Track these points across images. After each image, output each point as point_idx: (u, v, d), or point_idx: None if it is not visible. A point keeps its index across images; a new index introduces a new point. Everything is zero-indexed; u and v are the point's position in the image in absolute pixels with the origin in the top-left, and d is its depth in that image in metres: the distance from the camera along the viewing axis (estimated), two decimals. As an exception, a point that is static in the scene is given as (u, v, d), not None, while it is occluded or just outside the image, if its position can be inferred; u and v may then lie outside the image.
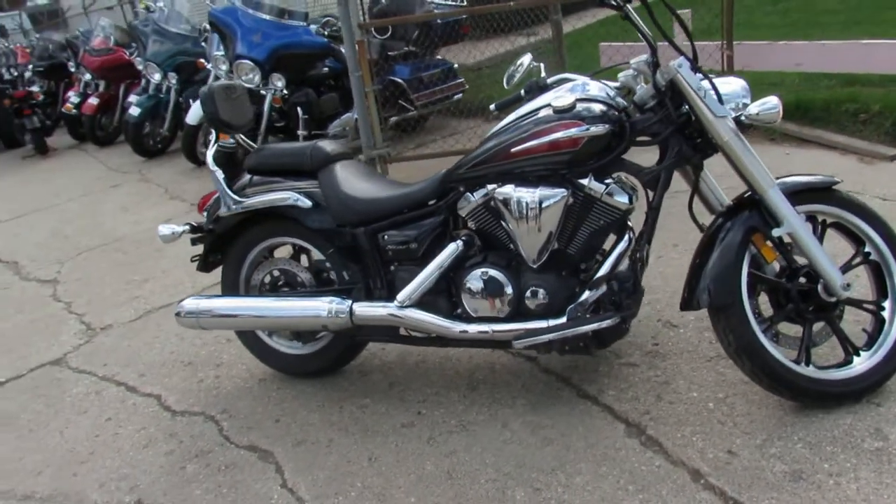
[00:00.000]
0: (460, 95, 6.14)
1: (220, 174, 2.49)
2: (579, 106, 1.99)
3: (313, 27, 5.95)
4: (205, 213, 2.58)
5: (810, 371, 1.95)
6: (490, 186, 2.09)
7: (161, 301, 3.58)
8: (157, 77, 6.64)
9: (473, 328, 2.12)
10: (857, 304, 2.05)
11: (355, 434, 2.27)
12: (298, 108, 5.14)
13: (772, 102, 1.88)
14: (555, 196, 2.00)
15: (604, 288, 2.02)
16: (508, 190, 2.04)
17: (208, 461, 2.27)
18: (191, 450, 2.35)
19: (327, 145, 2.43)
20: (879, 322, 2.02)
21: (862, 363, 1.98)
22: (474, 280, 2.12)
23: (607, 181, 2.04)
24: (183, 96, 6.49)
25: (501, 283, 2.09)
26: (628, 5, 1.88)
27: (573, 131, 1.95)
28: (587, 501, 1.82)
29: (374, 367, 2.64)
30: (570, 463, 1.97)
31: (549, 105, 2.01)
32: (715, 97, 1.91)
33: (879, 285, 2.05)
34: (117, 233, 4.91)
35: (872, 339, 2.02)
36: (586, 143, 1.95)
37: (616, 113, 1.99)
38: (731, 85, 2.03)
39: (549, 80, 2.27)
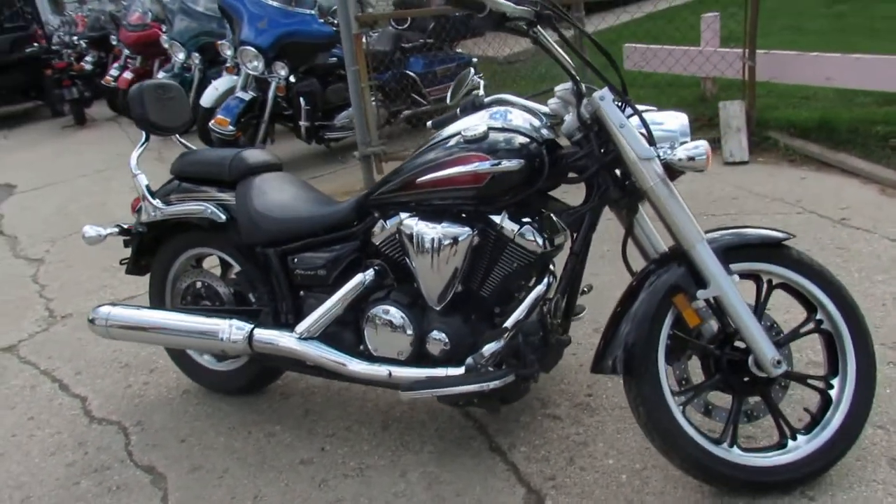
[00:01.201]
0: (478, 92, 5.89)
1: (142, 179, 2.38)
2: (492, 136, 1.78)
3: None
4: (136, 215, 2.48)
5: (732, 454, 1.70)
6: (402, 215, 1.91)
7: (126, 293, 3.53)
8: (180, 56, 6.64)
9: (371, 369, 1.95)
10: (800, 378, 1.79)
11: (252, 466, 2.14)
12: (301, 98, 5.01)
13: (700, 149, 1.62)
14: (458, 234, 1.80)
15: (507, 339, 1.81)
16: (412, 223, 1.86)
17: (103, 479, 2.18)
18: (92, 463, 2.26)
19: (251, 156, 2.28)
20: (825, 402, 1.76)
21: (798, 448, 1.72)
22: (375, 317, 1.95)
23: (525, 220, 1.82)
24: (207, 77, 6.46)
25: (402, 324, 1.91)
26: (537, 28, 1.64)
27: (478, 165, 1.74)
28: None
29: (297, 391, 2.50)
30: (454, 529, 1.78)
31: (459, 133, 1.81)
32: (640, 136, 1.67)
33: (831, 359, 1.78)
34: (115, 215, 4.89)
35: (815, 422, 1.75)
36: (493, 179, 1.74)
37: (535, 146, 1.77)
38: (670, 122, 1.77)
39: (486, 100, 2.06)
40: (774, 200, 3.47)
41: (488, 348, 1.82)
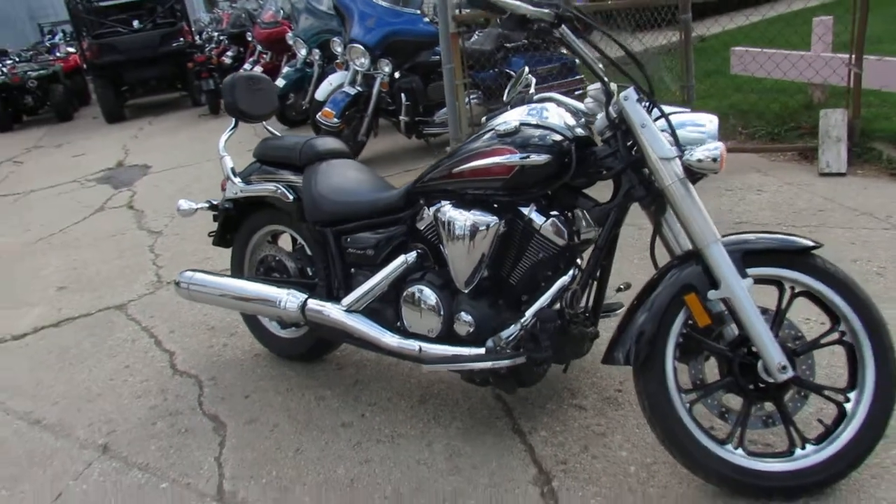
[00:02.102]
0: (580, 91, 5.92)
1: (227, 160, 2.66)
2: (524, 131, 1.88)
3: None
4: (223, 193, 2.77)
5: (736, 456, 1.72)
6: (442, 203, 2.05)
7: (223, 265, 3.88)
8: (302, 52, 7.08)
9: (403, 344, 2.11)
10: (817, 389, 1.76)
11: (299, 423, 2.36)
12: (403, 94, 5.25)
13: (712, 151, 1.65)
14: (485, 222, 1.92)
15: (526, 325, 1.91)
16: (448, 209, 2.00)
17: (175, 422, 2.48)
18: (169, 408, 2.57)
19: (320, 143, 2.50)
20: (841, 414, 1.73)
21: (805, 458, 1.71)
22: (411, 296, 2.10)
23: (553, 213, 1.92)
24: (325, 72, 6.87)
25: (434, 304, 2.06)
26: (562, 30, 1.73)
27: (507, 158, 1.86)
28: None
29: (351, 363, 2.70)
30: (463, 497, 1.91)
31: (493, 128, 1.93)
32: (662, 136, 1.71)
33: (852, 371, 1.75)
34: (228, 195, 5.36)
35: (828, 433, 1.73)
36: (519, 171, 1.85)
37: (565, 143, 1.86)
38: (699, 124, 1.81)
39: (536, 97, 2.16)
40: (863, 214, 3.30)
41: (507, 332, 1.93)
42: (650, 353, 1.72)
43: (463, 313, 2.01)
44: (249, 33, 9.87)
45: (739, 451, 1.73)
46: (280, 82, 7.11)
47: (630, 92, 1.75)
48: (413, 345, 2.09)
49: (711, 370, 1.83)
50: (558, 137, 1.86)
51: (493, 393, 2.34)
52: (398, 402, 2.39)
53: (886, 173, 3.73)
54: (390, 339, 2.12)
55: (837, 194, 3.59)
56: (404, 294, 2.12)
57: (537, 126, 1.89)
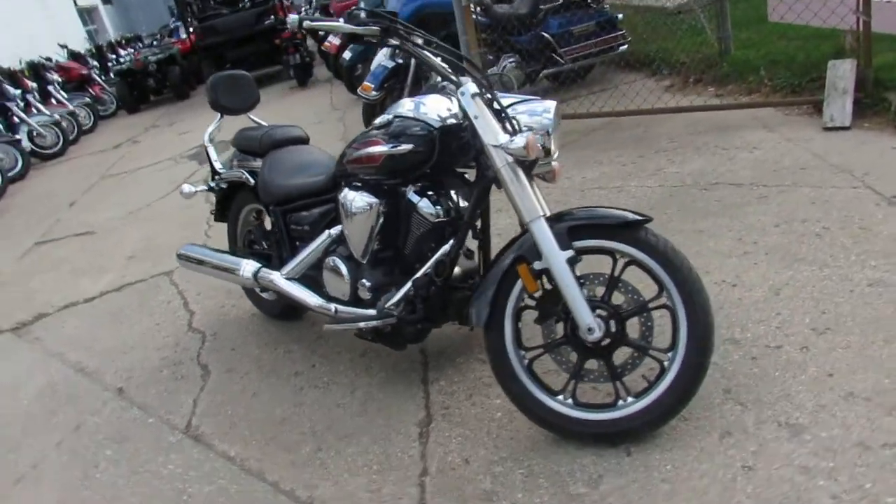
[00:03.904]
0: (625, 47, 5.89)
1: (211, 150, 3.11)
2: (396, 123, 2.16)
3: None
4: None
5: (565, 407, 1.96)
6: (346, 186, 2.38)
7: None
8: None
9: (325, 305, 2.48)
10: (643, 349, 1.95)
11: (264, 372, 2.81)
12: (434, 65, 5.50)
13: (517, 140, 1.85)
14: (368, 203, 2.24)
15: (404, 291, 2.22)
16: (345, 192, 2.33)
17: (176, 370, 3.02)
18: (175, 359, 3.12)
19: (279, 132, 2.88)
20: (661, 371, 1.92)
21: (626, 408, 1.92)
22: (327, 265, 2.47)
23: (429, 193, 2.20)
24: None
25: (342, 272, 2.41)
26: (405, 42, 1.98)
27: (377, 148, 2.15)
28: (343, 468, 2.14)
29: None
30: (360, 434, 2.27)
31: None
32: (494, 125, 1.94)
33: (674, 333, 1.92)
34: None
35: (648, 388, 1.93)
36: (388, 159, 2.14)
37: (431, 133, 2.11)
38: (537, 112, 2.01)
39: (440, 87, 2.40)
40: (842, 172, 3.24)
41: (387, 296, 2.25)
42: (491, 315, 1.99)
43: (364, 280, 2.35)
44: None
45: (569, 401, 1.97)
46: (347, 55, 7.56)
47: (466, 87, 1.98)
48: (330, 307, 2.46)
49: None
50: (425, 128, 2.12)
51: (420, 349, 2.66)
52: (344, 355, 2.78)
53: (891, 126, 3.58)
54: (314, 301, 2.51)
55: (829, 150, 3.52)
56: (324, 263, 2.49)
57: (408, 118, 2.16)
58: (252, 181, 2.83)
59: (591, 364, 2.00)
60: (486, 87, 2.00)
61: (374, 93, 5.46)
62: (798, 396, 1.95)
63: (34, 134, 9.74)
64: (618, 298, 1.98)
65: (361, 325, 2.26)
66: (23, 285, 4.73)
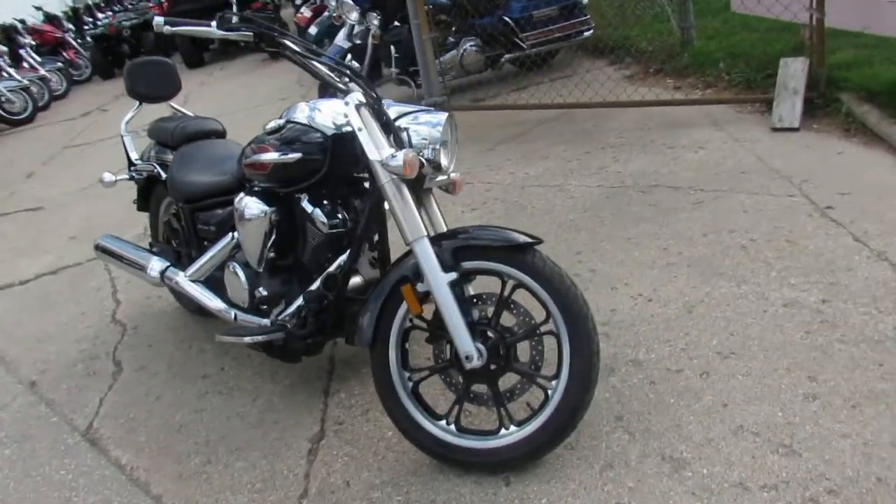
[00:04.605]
0: (590, 32, 5.76)
1: (128, 140, 3.00)
2: (287, 129, 2.06)
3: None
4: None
5: (447, 433, 1.90)
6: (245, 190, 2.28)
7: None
8: (353, 16, 7.26)
9: (225, 311, 2.40)
10: (530, 376, 1.89)
11: (173, 373, 2.74)
12: (392, 47, 5.37)
13: (395, 158, 1.75)
14: (261, 210, 2.14)
15: (296, 303, 2.15)
16: (240, 196, 2.23)
17: (90, 365, 2.94)
18: (92, 352, 3.04)
19: (192, 125, 2.77)
20: (546, 400, 1.86)
21: (508, 436, 1.86)
22: (228, 270, 2.38)
23: (324, 203, 2.11)
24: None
25: (241, 279, 2.32)
26: (282, 48, 1.87)
27: (265, 156, 2.05)
28: (227, 484, 2.08)
29: (241, 318, 3.04)
30: (251, 448, 2.21)
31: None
32: (378, 139, 1.84)
33: (560, 363, 1.85)
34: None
35: (532, 416, 1.87)
36: (276, 167, 2.04)
37: (322, 142, 2.02)
38: (427, 124, 1.91)
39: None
40: (780, 178, 3.16)
41: (286, 308, 2.18)
42: (375, 335, 1.92)
43: (260, 289, 2.27)
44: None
45: (452, 427, 1.91)
46: (313, 30, 7.36)
47: (351, 97, 1.88)
48: (231, 312, 2.38)
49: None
50: (316, 136, 2.03)
51: (328, 356, 2.60)
52: (254, 358, 2.70)
53: (840, 129, 3.49)
54: (214, 305, 2.43)
55: (773, 153, 3.43)
56: (226, 268, 2.40)
57: (301, 124, 2.06)
58: (163, 175, 2.73)
59: (479, 388, 1.93)
60: (373, 99, 1.90)
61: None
62: (688, 427, 1.90)
63: (2, 99, 9.54)
64: (510, 320, 1.91)
65: (247, 339, 2.18)
66: (-39, 263, 4.63)
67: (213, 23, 1.86)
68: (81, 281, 3.84)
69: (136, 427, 2.46)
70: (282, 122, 2.08)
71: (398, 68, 5.45)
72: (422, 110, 1.98)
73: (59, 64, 11.33)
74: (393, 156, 1.77)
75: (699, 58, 4.81)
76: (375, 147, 1.84)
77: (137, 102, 3.01)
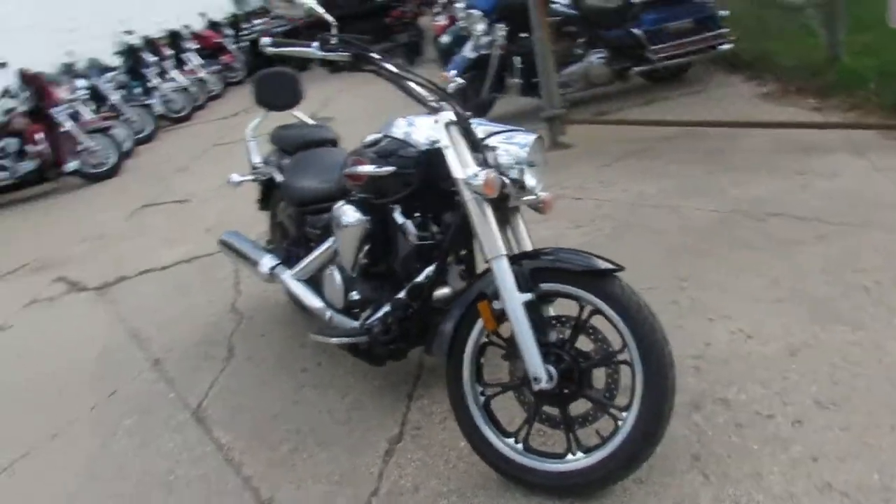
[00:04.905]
0: (728, 46, 5.49)
1: (252, 145, 3.23)
2: (383, 143, 2.16)
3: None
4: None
5: (513, 451, 1.91)
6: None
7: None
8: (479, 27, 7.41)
9: (321, 310, 2.54)
10: (601, 405, 1.86)
11: (279, 364, 2.92)
12: (517, 58, 5.40)
13: (477, 178, 1.79)
14: (355, 219, 2.25)
15: (382, 311, 2.23)
16: (340, 204, 2.35)
17: (208, 349, 3.19)
18: (211, 338, 3.30)
19: (309, 133, 2.95)
20: (615, 431, 1.82)
21: (574, 462, 1.84)
22: (326, 272, 2.52)
23: (416, 215, 2.19)
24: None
25: (335, 281, 2.45)
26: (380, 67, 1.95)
27: (360, 168, 2.16)
28: (309, 473, 2.20)
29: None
30: (335, 442, 2.32)
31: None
32: (464, 157, 1.89)
33: (633, 395, 1.81)
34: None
35: (600, 445, 1.84)
36: (370, 180, 2.14)
37: (415, 157, 2.09)
38: (516, 144, 1.93)
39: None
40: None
41: (374, 314, 2.27)
42: (452, 348, 1.96)
43: (353, 293, 2.38)
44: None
45: (520, 445, 1.92)
46: (445, 38, 7.54)
47: (441, 115, 1.93)
48: (327, 312, 2.52)
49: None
50: (411, 151, 2.10)
51: (417, 362, 2.67)
52: (349, 357, 2.79)
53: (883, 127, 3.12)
54: (314, 304, 2.57)
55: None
56: (325, 270, 2.54)
57: (396, 139, 2.15)
58: (279, 180, 2.92)
59: (552, 410, 1.92)
60: (463, 118, 1.95)
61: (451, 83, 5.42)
62: (769, 478, 1.79)
63: (165, 99, 10.50)
64: (588, 346, 1.89)
65: (333, 340, 2.29)
66: (119, 247, 5.17)
67: (315, 44, 1.97)
68: (211, 271, 4.16)
69: (239, 411, 2.65)
70: (379, 136, 2.18)
71: (521, 79, 5.46)
72: (512, 130, 2.00)
73: (218, 67, 12.29)
74: (475, 175, 1.81)
75: (846, 76, 4.46)
76: (461, 165, 1.88)
77: (264, 112, 3.24)
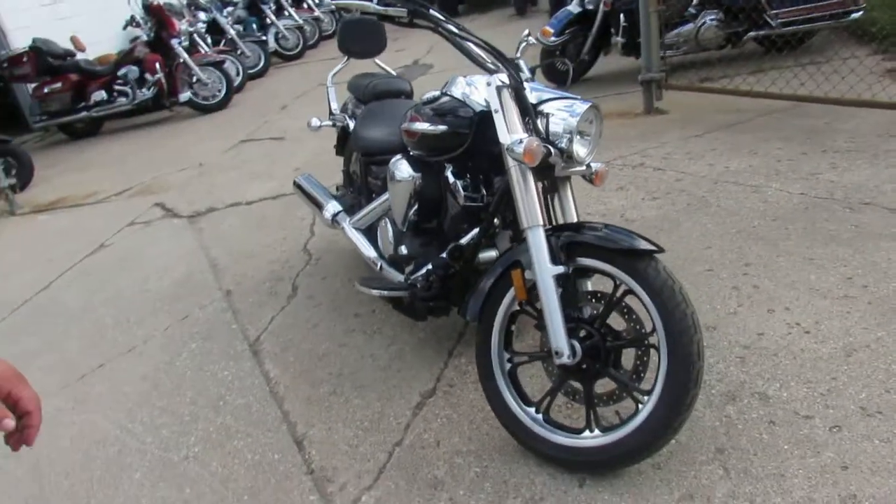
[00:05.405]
0: (859, 14, 5.04)
1: (331, 91, 3.29)
2: (441, 101, 2.15)
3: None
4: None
5: (532, 420, 1.92)
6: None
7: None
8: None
9: (373, 258, 2.60)
10: (624, 385, 1.83)
11: (334, 306, 3.04)
12: (622, 15, 5.17)
13: (519, 146, 1.75)
14: (408, 174, 2.27)
15: (426, 268, 2.26)
16: (395, 158, 2.38)
17: (274, 286, 3.36)
18: (279, 275, 3.47)
19: (383, 83, 2.97)
20: (635, 414, 1.79)
21: (589, 440, 1.84)
22: (380, 224, 2.57)
23: (467, 176, 2.19)
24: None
25: (388, 233, 2.50)
26: (440, 25, 1.92)
27: (415, 125, 2.16)
28: (342, 416, 2.31)
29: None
30: (371, 388, 2.41)
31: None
32: (512, 123, 1.86)
33: (656, 380, 1.77)
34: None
35: (617, 426, 1.81)
36: (422, 137, 2.15)
37: (469, 118, 2.07)
38: (570, 111, 1.88)
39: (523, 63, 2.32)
40: None
41: (418, 270, 2.31)
42: (483, 314, 1.98)
43: (402, 247, 2.42)
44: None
45: (539, 416, 1.92)
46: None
47: (493, 78, 1.90)
48: (378, 263, 2.58)
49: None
50: (466, 111, 2.09)
51: (463, 320, 2.70)
52: (393, 312, 2.89)
53: None
54: (367, 254, 2.64)
55: None
56: (380, 221, 2.59)
57: (454, 99, 2.13)
58: (351, 127, 2.98)
59: (577, 384, 1.91)
60: (517, 82, 1.90)
61: (552, 38, 5.31)
62: (792, 480, 1.72)
63: (279, 36, 10.79)
64: (622, 325, 1.86)
65: (375, 292, 2.35)
66: (215, 178, 5.46)
67: (375, -3, 1.97)
68: (291, 209, 4.33)
69: (290, 347, 2.78)
70: (438, 93, 2.17)
71: (624, 38, 5.23)
72: (568, 97, 1.94)
73: (333, 6, 12.45)
74: (519, 141, 1.78)
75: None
76: (508, 130, 1.86)
77: (346, 58, 3.27)
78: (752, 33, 5.24)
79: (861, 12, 5.02)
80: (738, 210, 3.11)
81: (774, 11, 5.01)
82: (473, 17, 11.46)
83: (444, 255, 2.22)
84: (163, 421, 2.47)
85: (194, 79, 7.99)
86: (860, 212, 2.89)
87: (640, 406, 1.77)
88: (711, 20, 5.23)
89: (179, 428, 2.42)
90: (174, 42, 7.89)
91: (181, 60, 7.87)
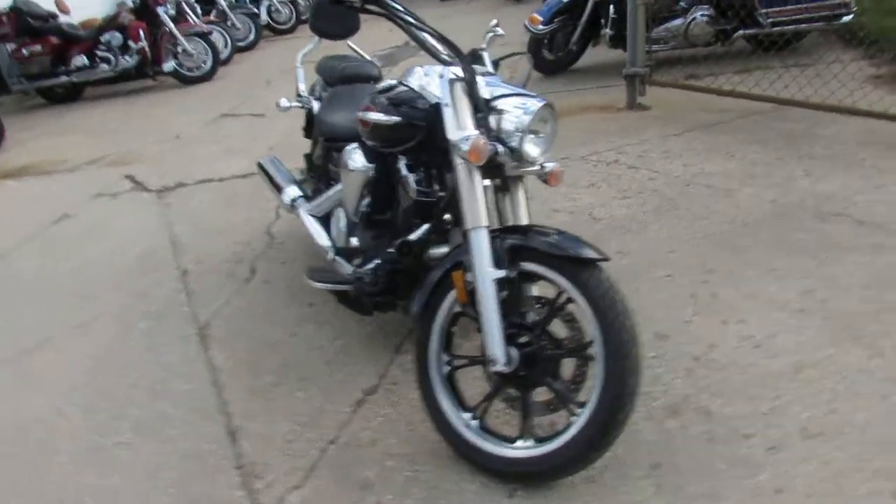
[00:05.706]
0: (850, 17, 4.97)
1: (300, 72, 3.19)
2: (395, 91, 2.07)
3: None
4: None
5: (463, 424, 1.86)
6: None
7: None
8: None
9: (326, 248, 2.53)
10: (562, 396, 1.77)
11: (289, 293, 2.97)
12: (611, 6, 5.07)
13: (465, 142, 1.68)
14: (360, 164, 2.20)
15: (374, 262, 2.20)
16: (349, 147, 2.30)
17: (232, 267, 3.29)
18: (239, 256, 3.39)
19: (350, 67, 2.89)
20: (567, 427, 1.74)
21: (521, 450, 1.78)
22: (334, 213, 2.50)
23: (419, 169, 2.12)
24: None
25: (339, 223, 2.43)
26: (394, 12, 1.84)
27: (368, 115, 2.08)
28: (281, 409, 2.25)
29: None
30: (314, 381, 2.35)
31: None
32: (462, 118, 1.78)
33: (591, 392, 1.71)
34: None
35: (550, 438, 1.76)
36: (374, 127, 2.07)
37: (423, 109, 1.99)
38: (522, 108, 1.80)
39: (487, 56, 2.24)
40: None
41: (359, 262, 2.24)
42: (423, 313, 1.91)
43: (353, 238, 2.36)
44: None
45: (474, 422, 1.87)
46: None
47: (446, 70, 1.83)
48: (329, 253, 2.51)
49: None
50: (421, 103, 2.01)
51: (408, 326, 2.63)
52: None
53: None
54: (320, 242, 2.57)
55: None
56: (334, 210, 2.52)
57: (409, 89, 2.05)
58: (316, 110, 2.89)
59: (513, 391, 1.86)
60: (471, 76, 1.83)
61: (540, 26, 5.22)
62: (725, 502, 1.67)
63: (272, 9, 10.61)
64: (564, 333, 1.80)
65: (318, 285, 2.29)
66: (189, 152, 5.36)
67: (323, -20, 1.89)
68: (262, 189, 4.20)
69: (239, 334, 2.72)
70: (394, 82, 2.09)
71: (612, 30, 5.14)
72: (523, 94, 1.86)
73: (329, -20, 12.25)
74: (466, 138, 1.71)
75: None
76: (457, 126, 1.78)
77: (316, 39, 3.17)
78: (741, 31, 5.16)
79: (851, 16, 4.95)
80: (707, 214, 3.06)
81: (765, 10, 4.93)
82: (469, 1, 11.30)
83: (390, 249, 2.15)
84: (100, 403, 2.41)
85: (179, 49, 7.84)
86: (829, 222, 2.84)
87: (572, 419, 1.72)
88: (702, 16, 5.15)
89: (117, 412, 2.36)
90: (160, 10, 7.73)
91: (167, 29, 7.72)
